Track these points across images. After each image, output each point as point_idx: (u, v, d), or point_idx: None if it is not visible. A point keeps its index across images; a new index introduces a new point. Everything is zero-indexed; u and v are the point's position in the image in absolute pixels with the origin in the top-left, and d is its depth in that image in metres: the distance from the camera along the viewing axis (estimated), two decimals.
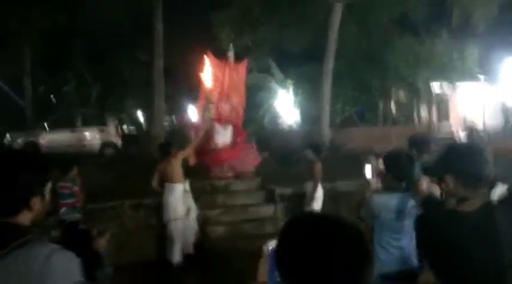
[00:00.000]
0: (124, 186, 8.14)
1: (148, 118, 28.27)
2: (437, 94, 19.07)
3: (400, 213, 3.26)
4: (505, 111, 25.30)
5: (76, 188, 5.91)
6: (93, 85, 23.58)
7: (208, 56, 8.45)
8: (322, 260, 1.06)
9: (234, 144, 8.34)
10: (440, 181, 2.35)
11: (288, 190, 8.11)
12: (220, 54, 8.98)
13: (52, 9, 16.72)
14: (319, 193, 7.06)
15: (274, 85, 23.48)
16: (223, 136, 8.31)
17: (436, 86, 18.89)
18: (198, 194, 7.35)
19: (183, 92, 23.75)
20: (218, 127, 8.32)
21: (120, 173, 9.75)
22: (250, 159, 8.35)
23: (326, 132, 12.62)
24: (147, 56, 14.85)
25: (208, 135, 8.14)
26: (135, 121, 29.78)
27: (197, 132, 7.95)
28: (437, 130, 20.17)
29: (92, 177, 8.24)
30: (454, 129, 21.85)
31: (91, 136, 16.57)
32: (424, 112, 21.17)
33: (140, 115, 30.51)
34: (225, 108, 8.43)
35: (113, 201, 7.27)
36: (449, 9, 17.44)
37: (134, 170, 9.79)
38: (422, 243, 2.80)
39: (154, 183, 6.78)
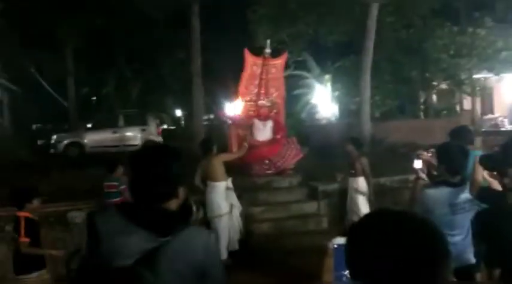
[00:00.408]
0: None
1: (188, 116, 28.70)
2: (481, 86, 18.36)
3: (453, 208, 3.18)
4: None
5: (123, 186, 6.03)
6: (133, 85, 24.10)
7: (245, 53, 8.44)
8: (400, 258, 1.03)
9: (274, 140, 8.31)
10: (502, 175, 2.26)
11: (331, 187, 8.02)
12: (257, 50, 8.95)
13: (92, 9, 17.14)
14: (365, 188, 6.95)
15: (311, 79, 23.33)
16: (264, 133, 8.30)
17: (479, 77, 18.19)
18: (241, 191, 7.37)
19: (222, 89, 23.92)
20: (258, 123, 8.31)
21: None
22: (292, 154, 8.29)
23: (367, 126, 12.39)
24: (186, 54, 15.04)
25: (249, 132, 8.15)
26: (175, 120, 30.22)
27: (237, 129, 7.97)
28: (481, 123, 19.49)
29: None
30: (499, 121, 21.08)
31: (133, 136, 16.91)
32: (467, 105, 20.48)
33: (180, 113, 30.97)
34: (265, 104, 8.41)
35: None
36: None
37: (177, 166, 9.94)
38: (483, 238, 2.69)
39: (197, 180, 6.83)
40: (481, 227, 3.24)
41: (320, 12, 17.12)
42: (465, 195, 3.23)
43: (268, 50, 8.37)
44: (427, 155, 4.07)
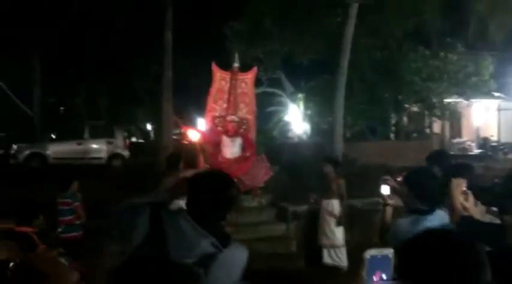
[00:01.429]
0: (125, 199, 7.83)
1: (157, 130, 28.17)
2: (452, 110, 18.60)
3: None
4: None
5: (76, 203, 5.58)
6: (103, 96, 23.49)
7: (213, 67, 8.16)
8: (445, 272, 1.25)
9: (243, 157, 7.98)
10: (502, 211, 2.03)
11: (301, 208, 7.72)
12: (227, 65, 8.69)
13: (62, 18, 16.64)
14: (338, 211, 6.71)
15: (284, 97, 23.25)
16: (232, 149, 7.95)
17: (450, 101, 18.43)
18: None
19: (193, 105, 23.56)
20: (226, 139, 7.96)
21: (127, 186, 9.42)
22: (262, 172, 7.96)
23: (339, 146, 12.21)
24: (158, 67, 14.68)
25: (216, 149, 7.80)
26: (144, 133, 29.62)
27: (205, 145, 7.61)
28: (450, 147, 19.72)
29: (96, 190, 7.94)
30: (466, 145, 21.42)
31: (98, 148, 16.35)
32: (436, 128, 20.72)
33: (150, 127, 30.39)
34: (234, 119, 8.09)
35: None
36: (465, 21, 17.07)
37: (142, 182, 9.46)
38: None
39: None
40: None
41: (295, 31, 17.10)
42: (437, 223, 3.02)
43: (236, 64, 8.11)
44: (393, 181, 3.86)
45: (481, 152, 20.61)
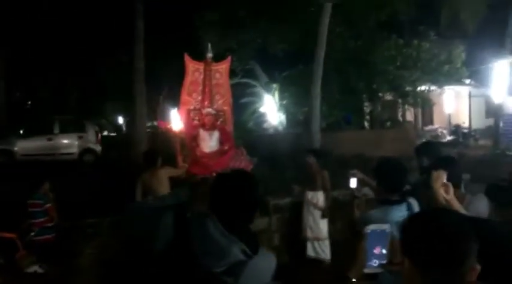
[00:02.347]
0: (105, 198, 7.51)
1: (129, 123, 27.56)
2: (424, 98, 18.78)
3: (397, 227, 2.90)
4: (491, 113, 25.40)
5: (48, 205, 5.28)
6: (71, 89, 22.78)
7: (186, 58, 7.86)
8: (438, 242, 1.37)
9: (222, 151, 7.75)
10: None
11: (283, 201, 7.57)
12: (204, 56, 8.41)
13: (27, 8, 15.95)
14: (323, 203, 6.59)
15: (259, 88, 23.02)
16: (210, 143, 7.69)
17: (423, 89, 18.58)
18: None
19: (165, 97, 23.11)
20: (203, 133, 7.70)
21: (101, 182, 9.10)
22: (241, 166, 7.74)
23: (316, 136, 12.12)
24: (128, 58, 14.26)
25: (193, 143, 7.54)
26: (116, 127, 28.96)
27: (180, 139, 7.34)
28: (422, 134, 19.96)
29: (69, 188, 7.59)
30: (439, 132, 21.72)
31: (69, 143, 15.85)
32: (409, 116, 20.92)
33: (121, 120, 29.75)
34: (210, 112, 7.83)
35: (91, 218, 6.58)
36: (438, 10, 17.18)
37: (116, 178, 9.15)
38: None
39: (138, 196, 6.17)
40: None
41: (270, 20, 16.88)
42: (408, 211, 3.08)
43: (209, 54, 7.82)
44: (361, 174, 3.99)
45: (453, 139, 20.96)
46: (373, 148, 11.96)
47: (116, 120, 29.69)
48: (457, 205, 3.81)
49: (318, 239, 6.58)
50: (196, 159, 7.40)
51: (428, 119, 24.19)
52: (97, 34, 18.05)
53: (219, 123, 7.89)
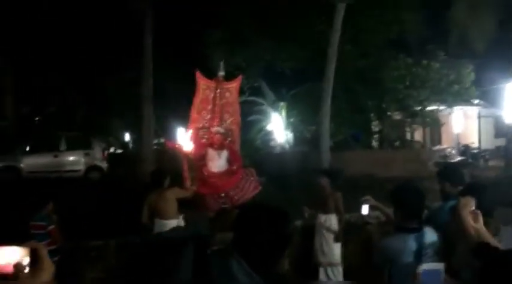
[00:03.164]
0: (110, 218, 7.33)
1: (136, 140, 27.47)
2: (433, 118, 18.58)
3: (417, 256, 2.92)
4: (501, 133, 25.10)
5: (52, 226, 5.09)
6: (78, 106, 22.77)
7: (197, 75, 7.73)
8: None
9: (231, 171, 7.55)
10: None
11: (293, 224, 7.32)
12: (212, 74, 8.30)
13: (35, 23, 16.00)
14: (336, 226, 6.36)
15: (266, 106, 22.93)
16: (219, 163, 7.51)
17: (432, 109, 18.40)
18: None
19: (173, 114, 23.01)
20: (212, 153, 7.52)
21: (106, 201, 8.92)
22: (251, 187, 7.54)
23: (326, 156, 11.93)
24: (136, 75, 14.23)
25: (201, 163, 7.35)
26: (123, 144, 28.87)
27: (189, 160, 7.15)
28: (431, 154, 19.70)
29: (73, 206, 7.43)
30: (447, 152, 21.44)
31: (75, 160, 15.72)
32: (417, 136, 20.71)
33: (128, 137, 29.66)
34: (219, 130, 7.67)
35: (96, 240, 6.38)
36: (447, 29, 17.11)
37: (122, 197, 8.98)
38: None
39: (145, 217, 5.98)
40: None
41: (277, 38, 16.89)
42: (427, 240, 3.00)
43: (221, 73, 7.68)
44: (373, 200, 3.83)
45: (462, 159, 20.66)
46: (383, 168, 11.77)
47: (123, 137, 29.60)
48: (486, 235, 3.59)
49: (331, 264, 6.33)
50: (204, 178, 7.21)
51: (437, 139, 23.91)
52: (105, 50, 18.09)
53: (227, 142, 7.73)
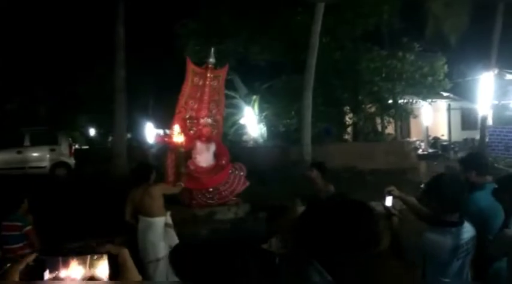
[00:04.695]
0: (85, 218, 6.77)
1: (103, 135, 26.54)
2: (407, 110, 18.63)
3: (457, 252, 2.78)
4: (467, 125, 25.57)
5: (28, 227, 4.54)
6: (42, 101, 21.70)
7: (188, 62, 7.27)
8: None
9: (219, 166, 7.15)
10: None
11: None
12: (184, 65, 7.85)
13: None
14: None
15: (237, 99, 22.49)
16: (207, 157, 7.10)
17: (405, 101, 18.45)
18: (180, 227, 6.09)
19: (139, 110, 22.28)
20: (201, 146, 7.10)
21: (78, 200, 8.31)
22: (241, 181, 7.17)
23: (308, 149, 11.65)
24: (105, 69, 13.57)
25: (189, 156, 6.91)
26: (88, 139, 27.85)
27: (175, 153, 6.69)
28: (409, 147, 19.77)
29: (42, 206, 6.82)
30: (417, 145, 21.62)
31: (40, 156, 14.89)
32: (389, 129, 20.76)
33: (94, 132, 28.66)
34: (208, 122, 7.24)
35: (73, 241, 5.81)
36: (421, 22, 17.16)
37: (94, 195, 8.41)
38: None
39: (128, 215, 5.49)
40: None
41: (252, 30, 16.50)
42: (467, 235, 2.82)
43: (212, 60, 7.27)
44: (397, 191, 3.55)
45: (434, 151, 20.88)
46: (365, 161, 11.59)
47: (88, 132, 28.55)
48: None
49: None
50: (191, 173, 6.78)
51: (406, 132, 24.12)
52: (73, 43, 17.19)
53: (214, 134, 7.33)
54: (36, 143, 14.98)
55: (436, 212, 2.91)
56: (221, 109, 7.69)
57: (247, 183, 7.30)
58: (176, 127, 6.33)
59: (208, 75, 7.19)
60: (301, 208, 6.05)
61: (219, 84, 7.47)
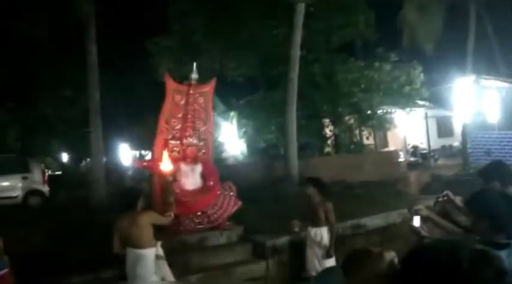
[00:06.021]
0: (65, 251, 6.21)
1: (76, 161, 25.69)
2: (386, 120, 18.57)
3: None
4: (443, 133, 25.83)
5: (5, 271, 4.02)
6: (10, 126, 20.76)
7: (166, 78, 6.87)
8: None
9: (207, 187, 6.71)
10: None
11: (280, 241, 6.58)
12: (158, 85, 7.46)
13: None
14: (327, 239, 5.69)
15: (215, 117, 22.12)
16: (193, 179, 6.66)
17: (385, 112, 18.39)
18: (168, 256, 5.62)
19: (118, 129, 21.64)
20: (185, 168, 6.66)
21: (57, 231, 7.71)
22: (231, 203, 6.75)
23: (294, 163, 11.32)
24: (73, 91, 12.99)
25: (173, 180, 6.44)
26: (61, 165, 26.92)
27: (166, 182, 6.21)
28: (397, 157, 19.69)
29: (16, 240, 6.24)
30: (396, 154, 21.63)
31: (11, 185, 14.07)
32: (370, 139, 20.67)
33: (66, 157, 27.76)
34: (192, 143, 6.82)
35: (54, 278, 5.28)
36: (396, 31, 17.24)
37: (74, 225, 7.83)
38: None
39: (116, 246, 5.00)
40: None
41: (227, 46, 16.24)
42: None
43: (194, 75, 6.89)
44: (425, 210, 3.28)
45: (414, 160, 20.90)
46: (354, 173, 11.33)
47: (61, 158, 27.61)
48: None
49: None
50: (177, 197, 6.30)
51: (383, 142, 24.14)
52: (41, 64, 16.51)
53: (201, 154, 6.90)
54: (6, 171, 14.17)
55: (481, 231, 2.60)
56: (210, 128, 7.29)
57: (239, 203, 6.88)
58: (164, 154, 5.80)
59: (191, 92, 6.79)
60: (389, 254, 5.65)
61: (205, 101, 7.07)
